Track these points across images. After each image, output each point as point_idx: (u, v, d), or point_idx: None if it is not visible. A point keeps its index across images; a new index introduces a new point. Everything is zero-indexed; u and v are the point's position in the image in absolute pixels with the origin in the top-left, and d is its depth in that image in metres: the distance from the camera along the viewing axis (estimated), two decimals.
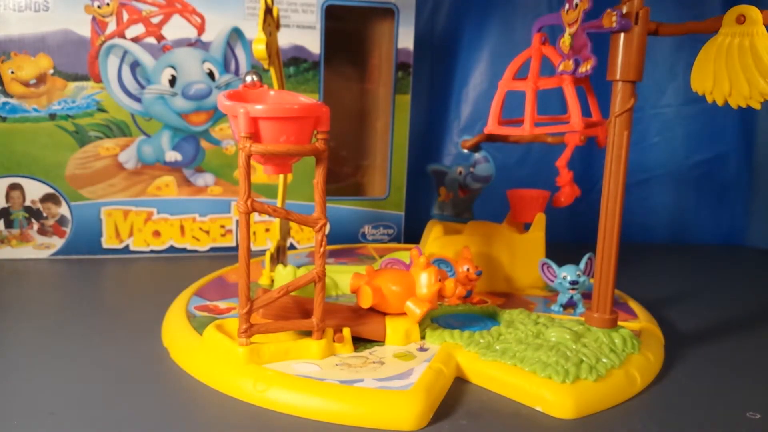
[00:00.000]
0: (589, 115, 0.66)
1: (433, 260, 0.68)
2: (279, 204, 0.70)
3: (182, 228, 0.92)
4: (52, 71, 0.85)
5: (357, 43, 1.03)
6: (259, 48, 0.64)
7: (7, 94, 0.84)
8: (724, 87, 0.50)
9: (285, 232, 0.77)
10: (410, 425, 0.47)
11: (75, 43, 0.85)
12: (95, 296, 0.76)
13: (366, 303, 0.57)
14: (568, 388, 0.50)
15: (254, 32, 0.88)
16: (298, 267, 0.70)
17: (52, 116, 0.86)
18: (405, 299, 0.58)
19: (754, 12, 0.49)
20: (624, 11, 0.55)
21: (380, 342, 0.58)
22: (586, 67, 0.58)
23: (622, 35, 0.55)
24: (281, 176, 0.70)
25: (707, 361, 0.61)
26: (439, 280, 0.58)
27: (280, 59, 0.69)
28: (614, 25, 0.55)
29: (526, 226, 0.79)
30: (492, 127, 0.66)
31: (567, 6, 0.60)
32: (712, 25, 0.52)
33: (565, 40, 0.60)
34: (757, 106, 0.50)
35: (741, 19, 0.50)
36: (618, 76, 0.56)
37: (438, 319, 0.63)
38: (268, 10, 0.66)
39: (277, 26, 0.69)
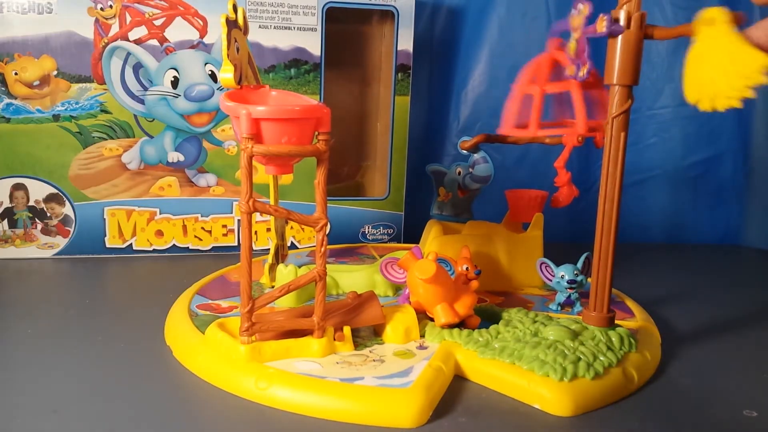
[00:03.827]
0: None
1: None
2: (272, 203, 0.71)
3: (185, 228, 0.93)
4: (55, 73, 0.86)
5: (357, 45, 1.04)
6: (227, 77, 0.57)
7: (10, 96, 0.85)
8: (709, 91, 0.51)
9: (281, 230, 0.77)
10: (410, 422, 0.47)
11: (78, 44, 0.85)
12: (98, 295, 0.76)
13: (430, 272, 0.58)
14: (565, 386, 0.51)
15: (255, 33, 0.89)
16: (299, 266, 0.71)
17: (56, 117, 0.86)
18: (439, 300, 0.59)
19: (719, 14, 0.50)
20: (617, 16, 0.55)
21: (380, 340, 0.59)
22: (583, 72, 0.58)
23: (618, 40, 0.56)
24: (271, 176, 0.71)
25: (704, 359, 0.62)
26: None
27: (253, 64, 0.66)
28: (604, 29, 0.55)
29: (525, 226, 0.80)
30: (506, 128, 0.67)
31: (574, 11, 0.60)
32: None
33: (571, 45, 0.60)
34: (739, 105, 0.50)
35: (711, 23, 0.51)
36: (615, 81, 0.57)
37: None
38: (233, 25, 0.60)
39: (245, 30, 0.64)
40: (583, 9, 0.58)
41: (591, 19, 0.58)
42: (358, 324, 0.59)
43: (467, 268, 0.65)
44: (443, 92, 1.11)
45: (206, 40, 0.89)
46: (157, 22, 0.87)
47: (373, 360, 0.55)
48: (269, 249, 0.76)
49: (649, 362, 0.58)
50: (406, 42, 0.96)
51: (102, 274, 0.84)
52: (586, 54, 0.58)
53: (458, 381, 0.55)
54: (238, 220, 0.94)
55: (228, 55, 0.57)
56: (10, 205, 0.88)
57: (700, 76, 0.51)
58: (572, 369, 0.52)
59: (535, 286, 0.77)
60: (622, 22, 0.55)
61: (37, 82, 0.85)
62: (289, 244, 0.95)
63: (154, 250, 0.92)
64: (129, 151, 0.89)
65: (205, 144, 0.91)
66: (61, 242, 0.90)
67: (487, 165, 0.82)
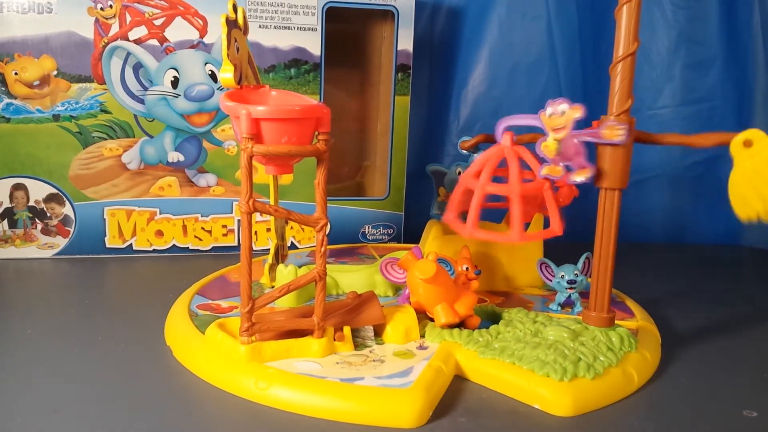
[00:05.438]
0: None
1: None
2: (272, 203, 0.71)
3: (185, 228, 0.93)
4: (55, 72, 0.86)
5: (357, 45, 1.04)
6: (227, 77, 0.56)
7: (10, 96, 0.85)
8: (760, 207, 0.53)
9: (281, 230, 0.77)
10: (410, 423, 0.47)
11: (78, 44, 0.85)
12: (98, 296, 0.76)
13: (430, 272, 0.58)
14: (565, 386, 0.51)
15: (255, 33, 0.89)
16: (299, 266, 0.71)
17: (56, 117, 0.86)
18: (439, 300, 0.59)
19: (757, 135, 0.54)
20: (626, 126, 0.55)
21: (380, 340, 0.59)
22: (582, 176, 0.57)
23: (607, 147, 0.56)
24: (271, 176, 0.71)
25: (704, 359, 0.62)
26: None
27: (253, 64, 0.66)
28: (620, 138, 0.55)
29: (525, 226, 0.80)
30: (471, 230, 0.59)
31: (549, 110, 0.56)
32: (708, 139, 0.56)
33: (550, 145, 0.57)
34: None
35: (748, 144, 0.54)
36: (605, 185, 0.58)
37: None
38: (233, 25, 0.60)
39: (245, 30, 0.64)
40: (572, 111, 0.55)
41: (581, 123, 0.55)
42: (358, 324, 0.59)
43: (467, 268, 0.65)
44: (443, 92, 1.11)
45: (206, 40, 0.89)
46: (157, 22, 0.87)
47: (373, 360, 0.55)
48: (269, 249, 0.76)
49: (649, 362, 0.58)
50: (406, 42, 0.96)
51: (102, 274, 0.84)
52: (583, 157, 0.56)
53: (458, 381, 0.55)
54: (238, 220, 0.94)
55: (228, 55, 0.57)
56: (10, 205, 0.88)
57: (746, 194, 0.54)
58: (572, 369, 0.52)
59: (536, 286, 0.77)
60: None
61: (37, 82, 0.85)
62: (289, 244, 0.94)
63: (154, 250, 0.92)
64: (129, 151, 0.89)
65: (205, 144, 0.91)
66: (61, 242, 0.90)
67: None
